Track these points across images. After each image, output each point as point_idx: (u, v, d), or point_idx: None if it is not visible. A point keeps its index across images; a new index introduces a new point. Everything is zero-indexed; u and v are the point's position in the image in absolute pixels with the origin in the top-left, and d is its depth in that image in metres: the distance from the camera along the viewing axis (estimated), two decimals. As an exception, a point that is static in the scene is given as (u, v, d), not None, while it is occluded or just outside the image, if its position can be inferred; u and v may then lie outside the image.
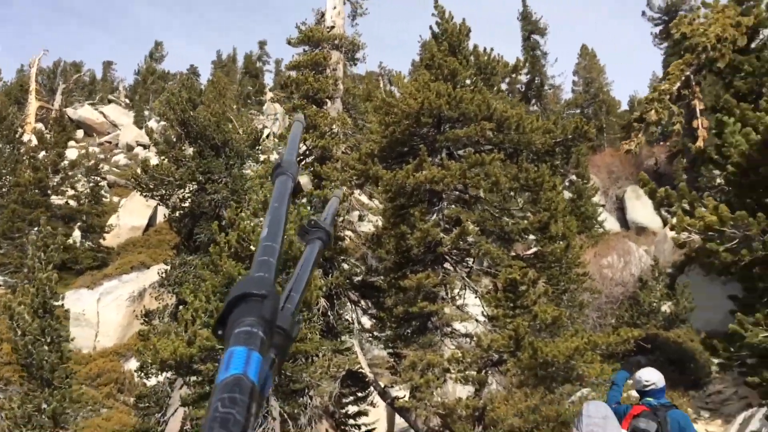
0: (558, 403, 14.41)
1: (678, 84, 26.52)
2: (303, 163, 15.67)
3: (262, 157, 21.97)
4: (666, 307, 20.98)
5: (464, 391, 15.88)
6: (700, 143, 26.51)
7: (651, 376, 4.88)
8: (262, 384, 0.56)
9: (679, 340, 18.25)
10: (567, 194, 35.07)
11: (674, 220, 4.93)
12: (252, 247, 11.75)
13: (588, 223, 33.87)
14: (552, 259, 14.48)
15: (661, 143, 44.45)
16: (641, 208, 39.04)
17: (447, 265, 13.91)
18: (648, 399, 4.79)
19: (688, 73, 26.07)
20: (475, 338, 11.43)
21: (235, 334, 0.58)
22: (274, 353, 0.62)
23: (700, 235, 5.45)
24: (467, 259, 14.05)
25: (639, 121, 28.92)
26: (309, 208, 14.41)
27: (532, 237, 15.08)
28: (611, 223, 36.33)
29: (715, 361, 19.74)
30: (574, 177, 36.46)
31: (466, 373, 11.25)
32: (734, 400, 15.14)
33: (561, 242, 14.16)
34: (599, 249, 29.26)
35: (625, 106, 49.36)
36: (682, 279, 23.70)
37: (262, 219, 6.71)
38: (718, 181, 28.96)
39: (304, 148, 15.46)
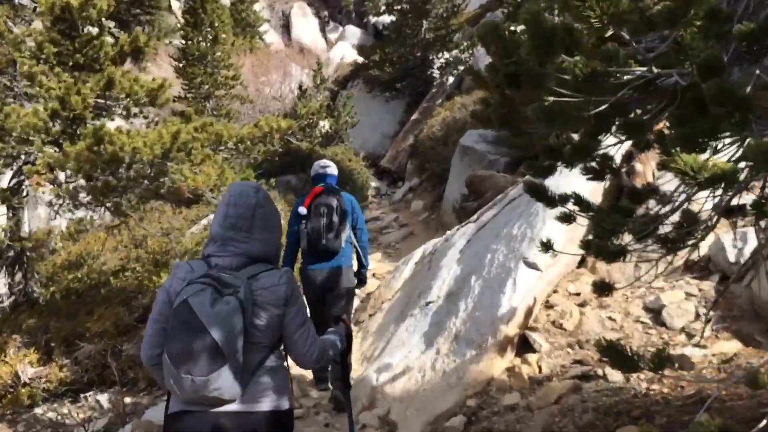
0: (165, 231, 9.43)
1: None
2: None
3: None
4: (325, 123, 17.26)
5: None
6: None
7: (327, 162, 5.23)
8: None
9: (337, 159, 14.53)
10: (226, 0, 28.94)
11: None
12: None
13: (250, 32, 28.46)
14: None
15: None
16: (307, 28, 35.24)
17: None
18: (325, 183, 4.96)
19: None
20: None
21: None
22: None
23: None
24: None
25: None
26: None
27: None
28: (275, 40, 31.66)
29: (373, 184, 16.99)
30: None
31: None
32: (394, 228, 12.18)
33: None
34: (259, 66, 24.42)
35: None
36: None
37: None
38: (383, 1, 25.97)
39: None
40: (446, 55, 18.57)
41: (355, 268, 5.16)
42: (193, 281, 2.19)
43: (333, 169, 5.11)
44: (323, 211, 4.73)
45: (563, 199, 2.81)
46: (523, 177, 8.32)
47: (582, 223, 3.02)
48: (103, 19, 6.38)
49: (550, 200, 2.71)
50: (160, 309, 2.27)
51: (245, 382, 2.20)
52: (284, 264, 4.97)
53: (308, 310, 4.81)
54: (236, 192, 2.36)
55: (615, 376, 3.75)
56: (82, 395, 4.52)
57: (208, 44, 17.53)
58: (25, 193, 6.85)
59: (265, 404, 2.25)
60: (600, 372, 3.82)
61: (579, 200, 2.66)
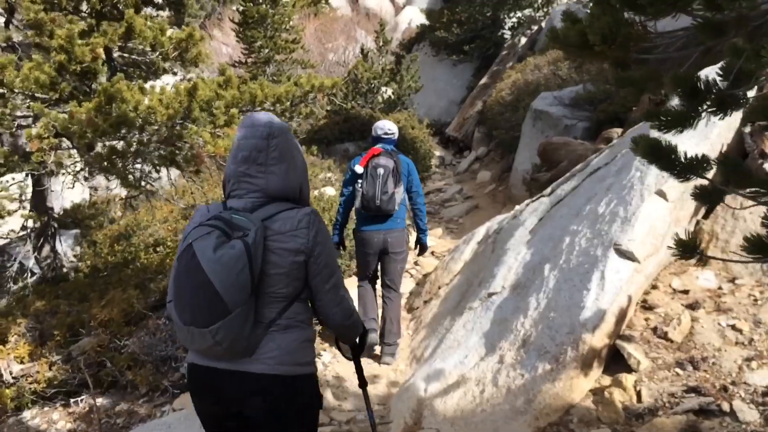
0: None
1: None
2: None
3: None
4: (387, 89, 16.25)
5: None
6: None
7: (392, 126, 5.06)
8: None
9: (399, 125, 13.51)
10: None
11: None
12: None
13: (313, -4, 27.59)
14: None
15: None
16: (374, -8, 34.18)
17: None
18: (383, 144, 4.89)
19: None
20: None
21: None
22: None
23: None
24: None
25: None
26: None
27: None
28: (341, 5, 30.76)
29: (437, 153, 15.91)
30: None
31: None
32: (458, 200, 11.12)
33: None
34: (323, 31, 23.61)
35: None
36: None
37: None
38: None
39: None
40: (518, 14, 17.11)
41: (413, 235, 5.26)
42: (202, 224, 1.97)
43: (396, 134, 5.07)
44: (379, 172, 4.70)
45: (698, 164, 1.75)
46: (608, 143, 7.11)
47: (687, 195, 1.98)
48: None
49: (684, 168, 1.67)
50: (178, 255, 2.03)
51: (257, 338, 1.95)
52: (337, 223, 5.09)
53: (357, 266, 5.04)
54: (248, 123, 2.10)
55: (748, 413, 2.68)
56: (72, 400, 3.84)
57: (268, 5, 16.76)
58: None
59: (279, 366, 1.96)
60: (725, 406, 2.75)
61: (736, 168, 1.60)
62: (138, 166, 5.17)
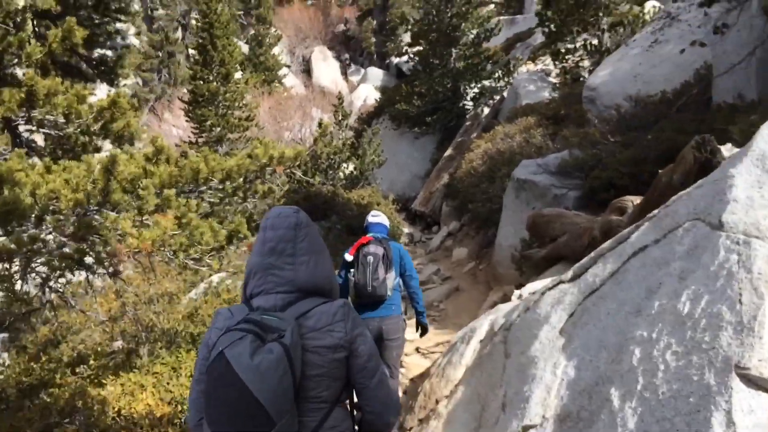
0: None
1: None
2: None
3: None
4: (349, 165, 15.33)
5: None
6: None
7: (377, 212, 5.42)
8: None
9: (363, 202, 12.51)
10: (245, 47, 27.90)
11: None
12: None
13: (268, 75, 27.18)
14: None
15: (353, 4, 39.85)
16: (328, 71, 34.09)
17: None
18: (374, 233, 5.05)
19: None
20: None
21: None
22: None
23: None
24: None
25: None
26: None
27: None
28: (295, 83, 30.36)
29: (405, 230, 14.84)
30: (253, 29, 30.06)
31: None
32: (435, 282, 9.95)
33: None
34: (278, 109, 22.95)
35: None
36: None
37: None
38: (405, 42, 24.59)
39: None
40: (479, 84, 16.62)
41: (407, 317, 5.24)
42: (230, 329, 1.85)
43: (382, 219, 5.27)
44: (369, 260, 4.76)
45: None
46: (621, 214, 6.09)
47: None
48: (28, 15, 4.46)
49: None
50: (200, 367, 1.96)
51: None
52: None
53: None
54: (274, 214, 2.12)
55: None
56: None
57: (219, 83, 15.86)
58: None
59: None
60: None
61: None
62: (37, 270, 3.84)
